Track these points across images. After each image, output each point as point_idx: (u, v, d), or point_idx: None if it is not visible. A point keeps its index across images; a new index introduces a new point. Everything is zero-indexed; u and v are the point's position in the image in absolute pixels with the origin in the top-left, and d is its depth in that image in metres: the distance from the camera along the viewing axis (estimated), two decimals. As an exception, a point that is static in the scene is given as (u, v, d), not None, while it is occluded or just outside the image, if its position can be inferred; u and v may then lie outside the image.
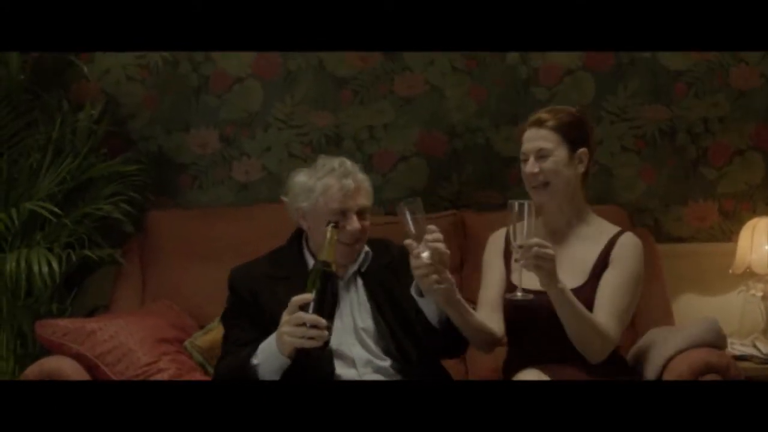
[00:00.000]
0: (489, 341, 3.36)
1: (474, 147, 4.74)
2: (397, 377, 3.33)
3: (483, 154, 4.74)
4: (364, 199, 3.39)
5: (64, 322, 3.70)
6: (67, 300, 4.36)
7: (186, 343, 3.79)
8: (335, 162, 3.40)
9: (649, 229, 4.54)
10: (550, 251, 3.06)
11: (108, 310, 4.32)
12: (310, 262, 3.40)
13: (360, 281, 3.45)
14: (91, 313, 4.38)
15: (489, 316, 3.36)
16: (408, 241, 3.12)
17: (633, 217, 4.53)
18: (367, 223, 3.40)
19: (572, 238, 3.37)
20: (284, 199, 3.47)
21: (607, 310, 3.22)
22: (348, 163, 3.41)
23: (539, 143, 3.30)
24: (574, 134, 3.31)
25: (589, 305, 3.21)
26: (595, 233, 3.37)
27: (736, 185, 4.73)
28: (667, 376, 3.37)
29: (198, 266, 4.29)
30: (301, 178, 3.42)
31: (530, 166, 3.31)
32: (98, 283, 4.54)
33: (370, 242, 3.47)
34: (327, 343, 3.05)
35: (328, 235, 3.13)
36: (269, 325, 3.18)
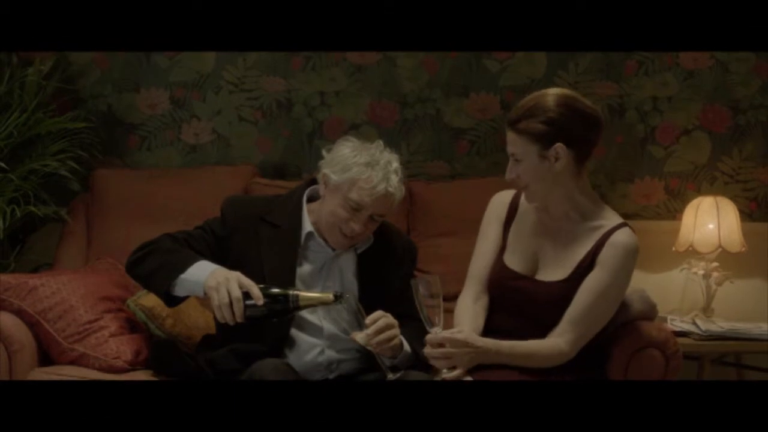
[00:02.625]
0: None
1: (424, 117, 4.76)
2: (357, 356, 3.34)
3: (433, 125, 4.77)
4: (385, 208, 3.29)
5: (5, 278, 3.67)
6: (11, 256, 4.34)
7: (129, 301, 3.76)
8: (384, 157, 3.29)
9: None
10: (452, 350, 3.03)
11: (52, 267, 4.29)
12: (306, 218, 3.38)
13: (353, 259, 3.40)
14: (35, 271, 4.33)
15: (476, 297, 3.33)
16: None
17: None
18: (375, 225, 3.34)
19: (565, 231, 3.25)
20: (324, 152, 3.37)
21: (576, 319, 3.16)
22: (394, 165, 3.30)
23: (510, 148, 3.18)
24: (544, 132, 3.12)
25: (566, 301, 3.18)
26: (589, 229, 3.23)
27: (682, 164, 4.79)
28: (609, 352, 3.41)
29: (144, 227, 4.24)
30: (345, 150, 3.30)
31: (507, 172, 3.21)
32: (43, 241, 4.53)
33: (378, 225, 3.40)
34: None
35: (327, 298, 3.04)
36: (230, 261, 3.19)
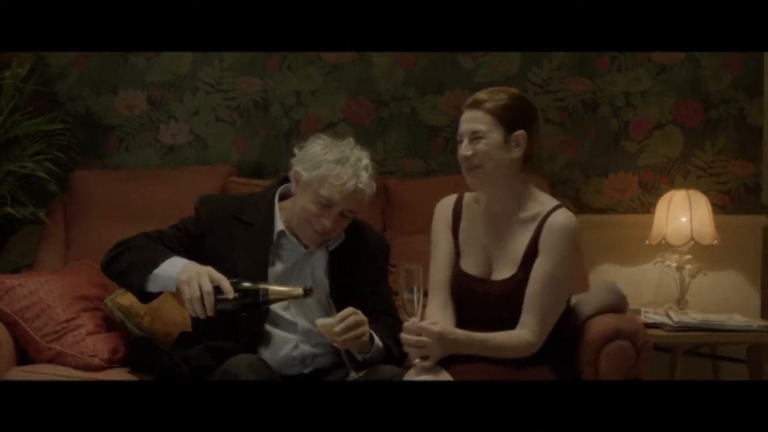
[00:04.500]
0: None
1: (399, 115, 4.80)
2: (332, 350, 3.35)
3: (408, 123, 4.81)
4: (355, 205, 3.34)
5: (-17, 278, 3.71)
6: (-11, 258, 4.36)
7: (106, 300, 3.78)
8: (354, 154, 3.34)
9: (569, 200, 4.60)
10: (426, 339, 3.05)
11: (32, 269, 4.31)
12: (278, 217, 3.42)
13: (325, 257, 3.44)
14: (15, 272, 4.34)
15: (444, 304, 3.35)
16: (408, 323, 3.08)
17: (554, 188, 4.59)
18: (347, 222, 3.38)
19: (507, 226, 3.30)
20: (295, 150, 3.42)
21: (533, 308, 3.19)
22: (364, 162, 3.34)
23: (474, 125, 3.24)
24: (511, 116, 3.21)
25: (518, 296, 3.22)
26: (528, 219, 3.28)
27: (655, 158, 4.83)
28: (580, 343, 3.43)
29: (122, 227, 4.20)
30: (316, 148, 3.35)
31: (463, 149, 3.26)
32: (23, 243, 4.55)
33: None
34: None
35: (296, 292, 3.08)
36: (203, 260, 3.21)
